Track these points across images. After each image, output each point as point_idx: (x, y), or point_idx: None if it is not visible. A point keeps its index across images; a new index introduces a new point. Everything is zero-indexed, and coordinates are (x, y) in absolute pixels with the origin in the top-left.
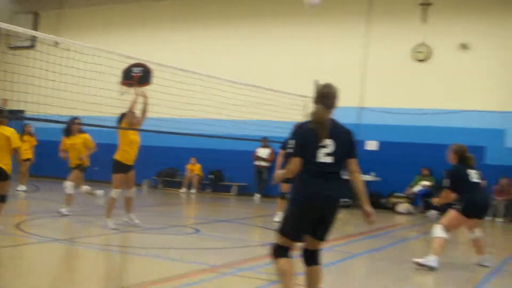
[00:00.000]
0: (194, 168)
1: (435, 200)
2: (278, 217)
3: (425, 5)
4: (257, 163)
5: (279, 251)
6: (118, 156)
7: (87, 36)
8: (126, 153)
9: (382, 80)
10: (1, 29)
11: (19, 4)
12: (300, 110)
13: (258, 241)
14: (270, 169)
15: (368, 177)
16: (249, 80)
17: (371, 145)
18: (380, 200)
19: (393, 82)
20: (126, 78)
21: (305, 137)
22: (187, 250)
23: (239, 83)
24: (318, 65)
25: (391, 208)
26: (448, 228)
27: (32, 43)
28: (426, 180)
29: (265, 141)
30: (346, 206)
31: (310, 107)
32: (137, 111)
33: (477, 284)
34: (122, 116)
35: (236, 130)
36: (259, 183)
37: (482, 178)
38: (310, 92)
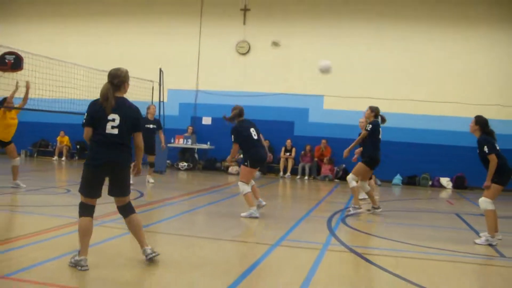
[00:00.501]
0: (63, 140)
1: (228, 159)
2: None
3: (245, 10)
4: None
5: (83, 210)
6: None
7: None
8: (4, 133)
9: (214, 69)
10: None
11: None
12: (149, 91)
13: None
14: None
15: (205, 146)
16: (108, 67)
17: (206, 120)
18: (215, 164)
19: (223, 70)
20: (1, 64)
21: (94, 110)
22: (60, 207)
23: (100, 70)
24: (163, 56)
25: (224, 170)
26: (246, 181)
27: None
28: None
29: None
30: (189, 169)
31: (155, 88)
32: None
33: (288, 228)
34: (1, 102)
35: None
36: None
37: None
38: (156, 77)
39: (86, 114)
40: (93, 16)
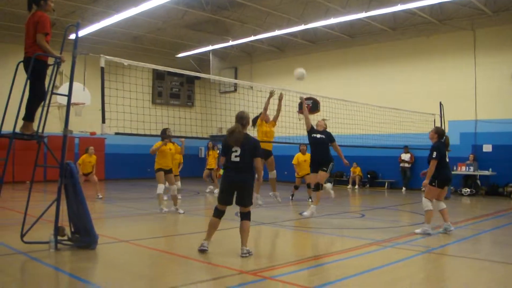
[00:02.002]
0: (356, 170)
1: (425, 183)
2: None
3: None
4: (401, 164)
5: (215, 212)
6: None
7: (270, 80)
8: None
9: (491, 98)
10: (214, 80)
11: (224, 63)
12: (430, 124)
13: (408, 222)
14: (411, 169)
15: (486, 172)
16: (392, 105)
17: (487, 148)
18: (498, 189)
19: (500, 99)
20: (301, 108)
21: (225, 143)
22: (357, 229)
23: (385, 107)
24: (440, 90)
25: (506, 195)
26: (431, 199)
27: (235, 88)
28: None
29: (406, 149)
30: (471, 195)
31: (437, 121)
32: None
33: None
34: (258, 116)
35: (385, 141)
36: (404, 179)
37: None
38: (437, 110)
39: (221, 146)
40: (377, 61)
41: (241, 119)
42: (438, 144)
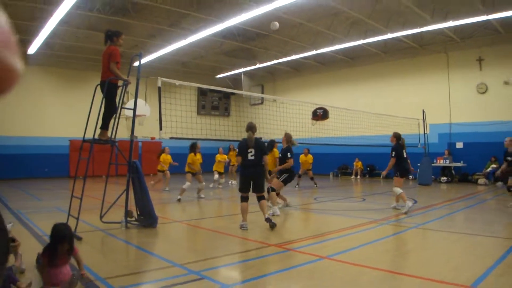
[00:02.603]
0: (358, 164)
1: (383, 173)
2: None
3: (480, 60)
4: None
5: (242, 198)
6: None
7: (289, 95)
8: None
9: (461, 106)
10: (246, 95)
11: (253, 81)
12: (415, 127)
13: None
14: None
15: (459, 164)
16: (385, 112)
17: (459, 145)
18: (468, 177)
19: (468, 107)
20: (314, 116)
21: (241, 147)
22: (359, 210)
23: (380, 114)
24: (423, 100)
25: (474, 182)
26: (400, 186)
27: (262, 101)
28: (494, 164)
29: None
30: (448, 182)
31: (420, 125)
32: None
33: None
34: (272, 143)
35: (380, 140)
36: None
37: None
38: (420, 116)
39: (238, 149)
40: (373, 78)
41: (251, 128)
42: (396, 146)
